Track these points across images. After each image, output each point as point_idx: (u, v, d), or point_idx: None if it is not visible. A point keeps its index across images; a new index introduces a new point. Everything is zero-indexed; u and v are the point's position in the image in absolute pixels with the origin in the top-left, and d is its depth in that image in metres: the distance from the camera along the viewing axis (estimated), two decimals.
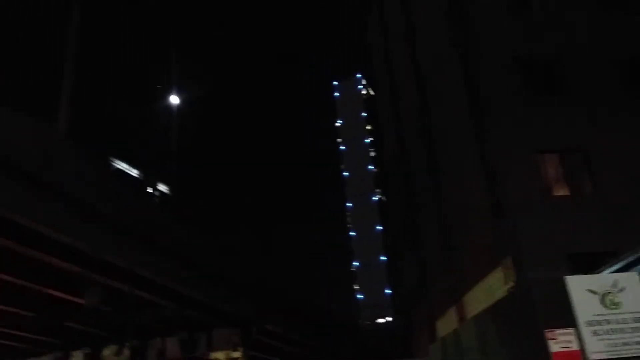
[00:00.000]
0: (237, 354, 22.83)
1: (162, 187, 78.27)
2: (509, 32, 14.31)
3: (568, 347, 8.94)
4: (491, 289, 13.13)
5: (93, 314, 19.03)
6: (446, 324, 17.29)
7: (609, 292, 9.08)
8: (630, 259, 9.20)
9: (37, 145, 12.28)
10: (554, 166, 12.88)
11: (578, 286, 9.17)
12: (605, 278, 9.38)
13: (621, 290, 9.11)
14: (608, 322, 8.91)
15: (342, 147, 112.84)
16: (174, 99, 68.58)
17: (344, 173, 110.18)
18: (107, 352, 23.28)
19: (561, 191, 12.72)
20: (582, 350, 8.84)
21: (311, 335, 29.61)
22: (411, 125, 21.90)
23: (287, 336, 27.41)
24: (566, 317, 9.03)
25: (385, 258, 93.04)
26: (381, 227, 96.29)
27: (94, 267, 15.51)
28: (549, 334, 9.05)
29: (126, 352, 23.02)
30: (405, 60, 22.34)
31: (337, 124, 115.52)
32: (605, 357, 8.75)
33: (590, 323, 8.90)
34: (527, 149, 12.76)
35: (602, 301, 9.03)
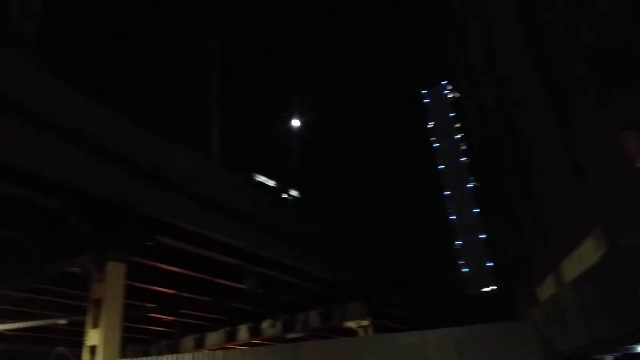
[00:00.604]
0: (365, 322, 22.93)
1: (293, 193, 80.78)
2: (578, 25, 13.21)
3: None
4: (585, 255, 12.15)
5: (252, 296, 19.96)
6: (545, 289, 16.21)
7: None
8: None
9: (199, 170, 13.24)
10: (633, 142, 11.68)
11: None
12: None
13: None
14: None
15: (436, 145, 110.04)
16: (295, 122, 70.54)
17: (440, 166, 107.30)
18: (265, 325, 24.36)
19: None
20: None
21: (427, 304, 29.07)
22: (496, 118, 20.84)
23: (406, 306, 27.15)
24: None
25: (484, 235, 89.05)
26: (478, 209, 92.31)
27: (250, 259, 16.34)
28: None
29: (279, 324, 23.98)
30: (484, 64, 21.33)
31: (430, 126, 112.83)
32: None
33: None
34: (606, 128, 11.70)
35: None
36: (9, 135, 8.72)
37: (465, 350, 12.68)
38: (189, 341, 26.00)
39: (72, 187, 10.29)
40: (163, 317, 22.21)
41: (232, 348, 24.57)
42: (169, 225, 12.58)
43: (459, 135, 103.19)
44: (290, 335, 24.10)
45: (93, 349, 10.88)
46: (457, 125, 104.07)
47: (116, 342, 11.17)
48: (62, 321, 18.14)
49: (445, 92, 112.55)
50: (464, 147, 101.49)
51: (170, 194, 12.07)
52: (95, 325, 11.05)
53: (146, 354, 25.17)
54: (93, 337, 11.01)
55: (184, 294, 18.97)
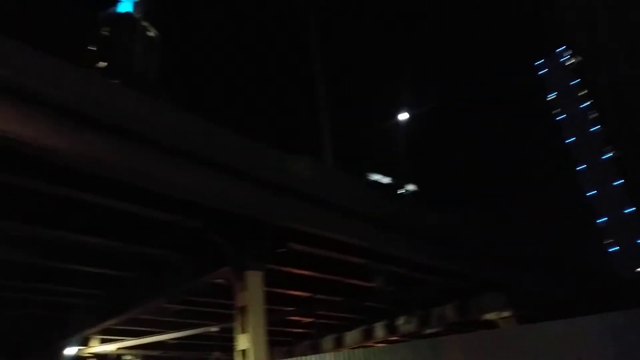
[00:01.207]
0: (506, 314, 21.75)
1: (410, 187, 79.84)
2: None
3: None
4: None
5: (383, 294, 20.06)
6: None
7: None
8: None
9: (318, 176, 13.63)
10: None
11: None
12: None
13: None
14: None
15: (560, 117, 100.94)
16: (404, 115, 69.91)
17: (568, 140, 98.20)
18: (400, 321, 24.26)
19: None
20: None
21: (572, 290, 26.78)
22: (630, 76, 18.63)
23: (550, 293, 25.27)
24: None
25: (632, 209, 79.51)
26: (621, 181, 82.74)
27: (376, 258, 16.44)
28: None
29: (414, 320, 23.72)
30: (608, 21, 19.18)
31: (550, 98, 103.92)
32: None
33: None
34: None
35: None
36: (164, 172, 9.86)
37: (625, 338, 11.43)
38: (328, 341, 26.81)
39: (212, 208, 11.33)
40: (302, 319, 23.20)
41: (370, 346, 24.85)
42: (298, 231, 13.17)
43: (586, 103, 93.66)
44: (427, 331, 23.73)
45: (244, 353, 11.73)
46: (582, 92, 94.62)
47: (263, 345, 11.93)
48: (214, 329, 19.83)
49: (563, 58, 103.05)
50: (593, 115, 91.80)
51: (296, 202, 12.63)
52: (243, 331, 11.91)
53: (291, 355, 26.46)
54: (243, 341, 11.86)
55: (319, 296, 19.66)
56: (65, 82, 8.32)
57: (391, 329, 24.62)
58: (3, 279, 15.18)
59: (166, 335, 20.99)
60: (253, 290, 12.23)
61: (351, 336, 26.33)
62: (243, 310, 12.06)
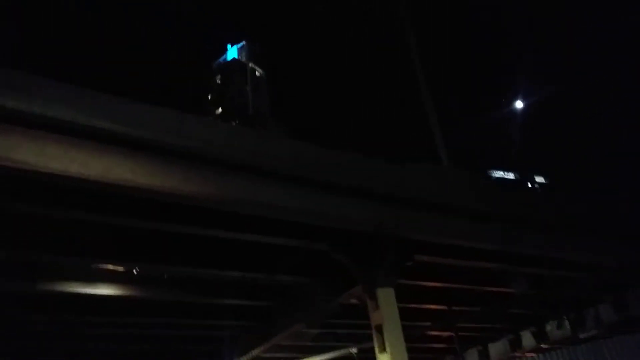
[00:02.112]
0: None
1: (538, 179, 74.42)
2: None
3: None
4: None
5: (525, 298, 18.83)
6: None
7: None
8: None
9: (436, 182, 13.30)
10: None
11: None
12: None
13: None
14: None
15: None
16: (519, 104, 65.63)
17: None
18: (549, 327, 22.58)
19: None
20: None
21: None
22: None
23: None
24: None
25: None
26: None
27: (512, 260, 15.46)
28: None
29: (566, 324, 21.92)
30: None
31: None
32: None
33: None
34: None
35: None
36: (290, 201, 10.43)
37: None
38: (473, 354, 25.68)
39: (334, 229, 11.66)
40: (441, 333, 22.51)
41: (519, 357, 23.34)
42: (423, 242, 12.95)
43: None
44: (582, 335, 21.70)
45: None
46: None
47: None
48: (353, 350, 20.06)
49: None
50: None
51: (416, 212, 12.46)
52: (382, 350, 11.84)
53: None
54: None
55: (456, 308, 18.97)
56: (192, 131, 9.22)
57: (541, 337, 22.93)
58: (155, 317, 16.83)
59: (308, 359, 21.64)
60: (386, 307, 12.15)
61: (496, 347, 24.97)
62: (379, 328, 12.01)
